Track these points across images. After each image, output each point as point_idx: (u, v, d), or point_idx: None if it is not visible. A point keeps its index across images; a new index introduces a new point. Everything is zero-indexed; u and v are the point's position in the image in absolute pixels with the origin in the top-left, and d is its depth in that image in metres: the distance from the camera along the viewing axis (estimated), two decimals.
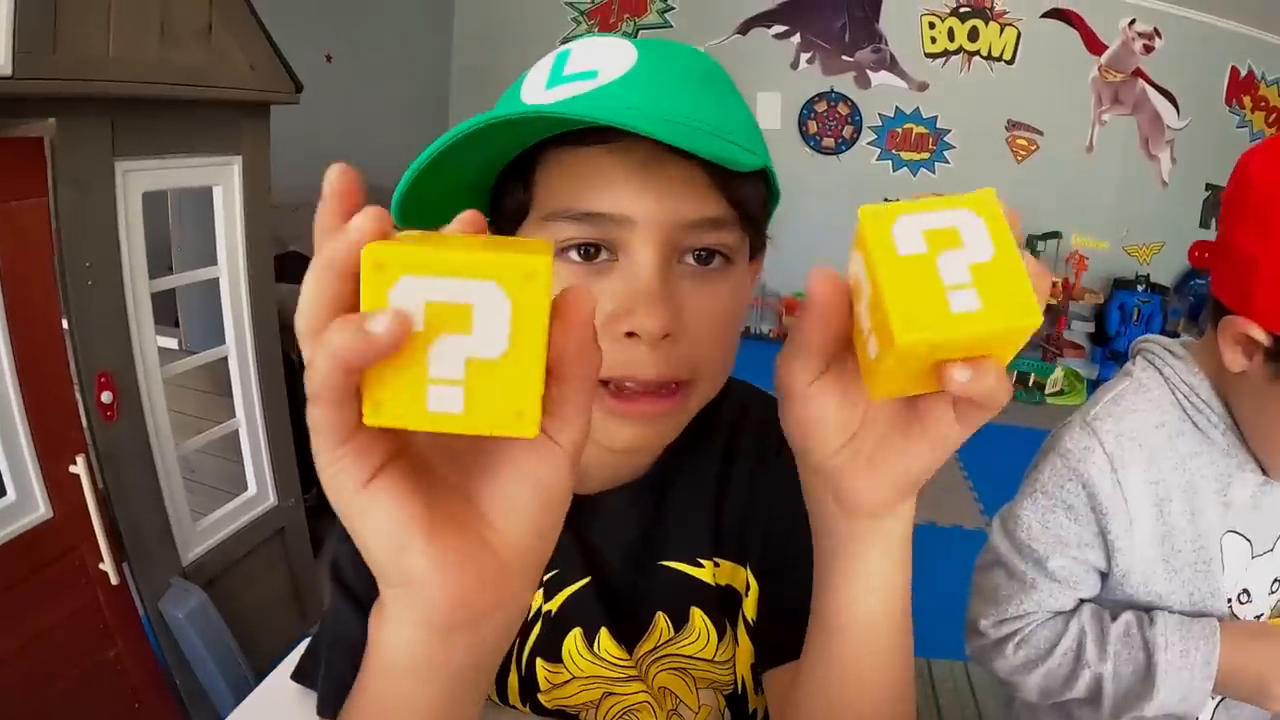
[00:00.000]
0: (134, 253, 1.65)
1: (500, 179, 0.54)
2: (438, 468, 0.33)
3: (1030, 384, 4.41)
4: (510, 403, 0.27)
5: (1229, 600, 0.86)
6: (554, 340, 0.28)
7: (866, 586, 0.42)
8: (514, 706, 0.66)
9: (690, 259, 0.52)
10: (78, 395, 1.57)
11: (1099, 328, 4.68)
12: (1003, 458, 3.53)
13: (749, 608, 0.66)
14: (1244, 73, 4.47)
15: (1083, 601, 0.93)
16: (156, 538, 1.73)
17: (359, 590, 0.61)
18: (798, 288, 4.87)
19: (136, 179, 1.64)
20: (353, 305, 0.27)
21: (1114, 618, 0.89)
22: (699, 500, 0.66)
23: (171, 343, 2.16)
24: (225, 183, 1.86)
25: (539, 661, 0.64)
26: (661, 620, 0.66)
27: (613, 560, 0.65)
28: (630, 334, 0.49)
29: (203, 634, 1.73)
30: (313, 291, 0.28)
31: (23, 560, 1.48)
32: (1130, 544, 0.85)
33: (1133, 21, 4.44)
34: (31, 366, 1.48)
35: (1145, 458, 0.85)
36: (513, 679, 0.65)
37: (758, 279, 0.63)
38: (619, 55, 0.50)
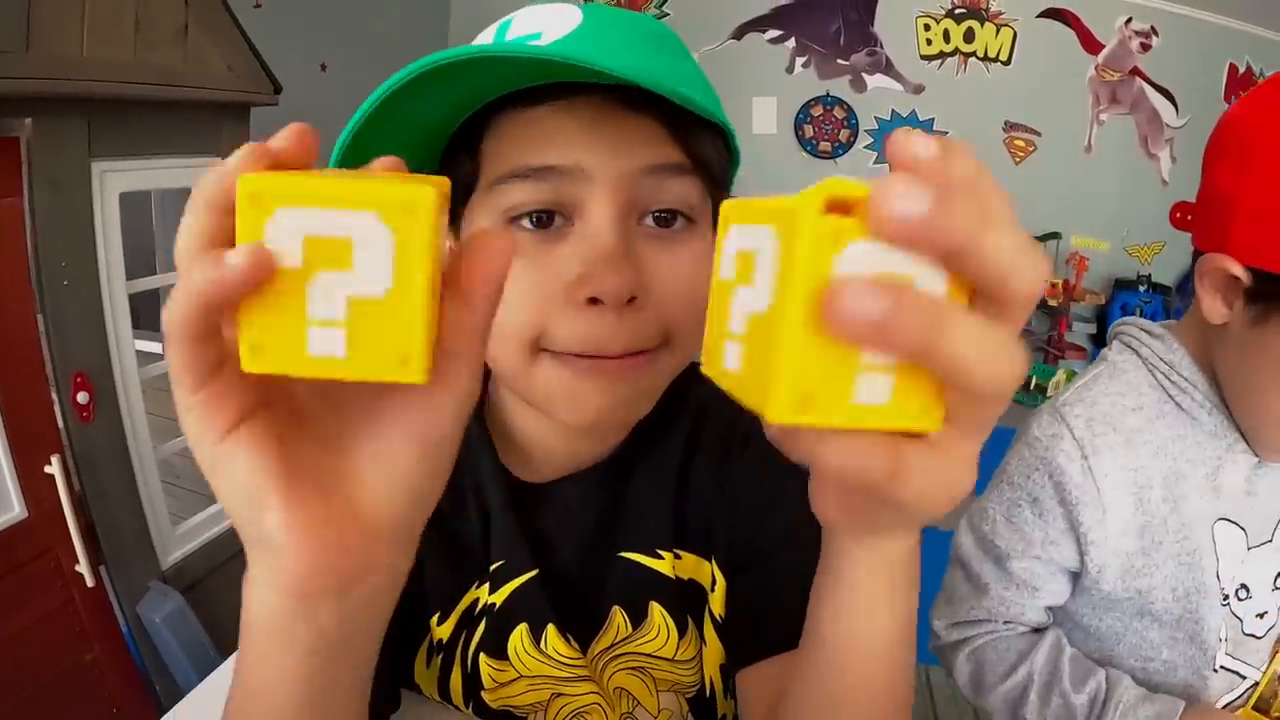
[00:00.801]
0: (111, 253, 1.65)
1: (449, 152, 0.52)
2: (316, 419, 0.31)
3: (1032, 386, 4.36)
4: (394, 346, 0.26)
5: (1225, 597, 0.79)
6: (454, 279, 0.27)
7: (859, 608, 0.38)
8: (457, 707, 0.63)
9: (650, 220, 0.50)
10: (53, 395, 1.56)
11: (1101, 329, 4.63)
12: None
13: (716, 604, 0.63)
14: (1242, 70, 4.44)
15: (1058, 611, 0.88)
16: (134, 540, 1.72)
17: None
18: None
19: (114, 179, 1.64)
20: (230, 242, 0.25)
21: (1108, 646, 0.84)
22: (660, 490, 0.63)
23: (155, 346, 2.15)
24: None
25: (483, 658, 0.61)
26: (618, 616, 0.62)
27: (565, 551, 0.62)
28: (593, 300, 0.47)
29: (181, 638, 1.71)
30: (186, 226, 0.26)
31: None
32: (1104, 536, 0.79)
33: (1129, 20, 4.41)
34: (6, 365, 1.48)
35: (1121, 443, 0.79)
36: (456, 676, 0.62)
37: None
38: (563, 17, 0.49)
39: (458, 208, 0.52)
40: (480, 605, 0.61)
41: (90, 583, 1.62)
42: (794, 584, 0.61)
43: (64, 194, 1.54)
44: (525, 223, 0.48)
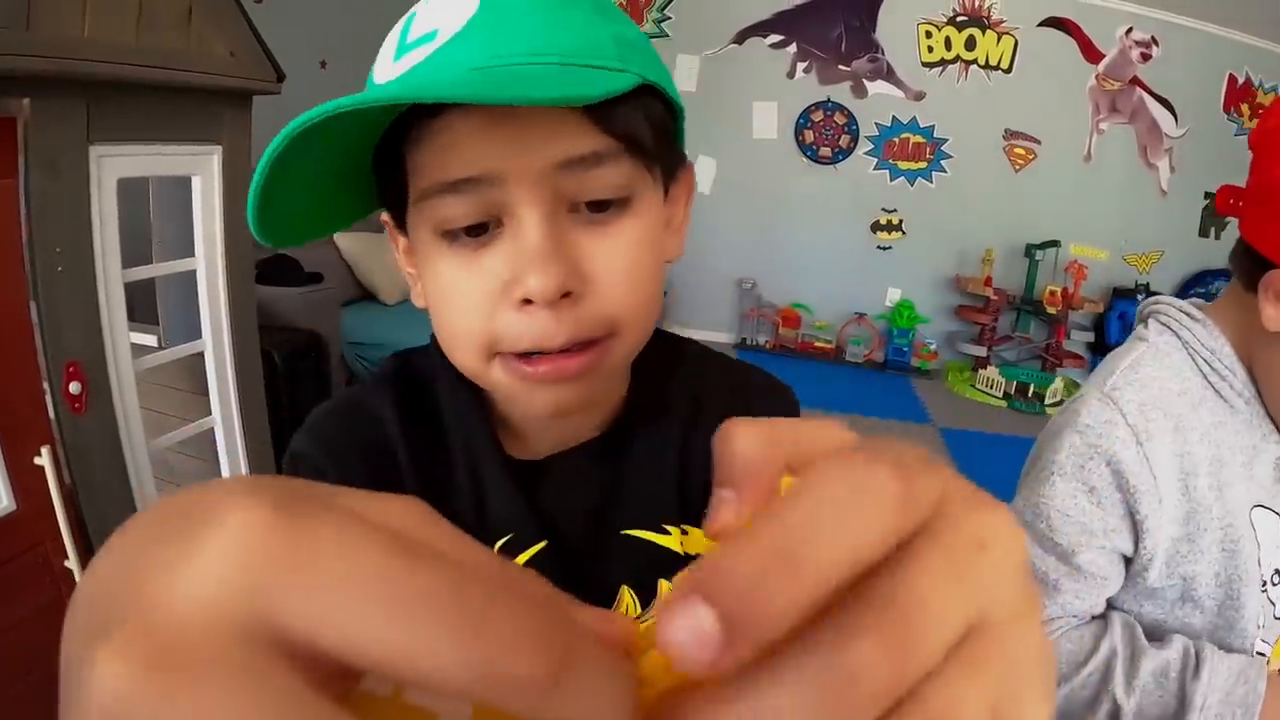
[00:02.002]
0: (107, 240, 1.60)
1: (378, 159, 0.51)
2: None
3: (1030, 394, 4.36)
4: None
5: (1263, 583, 0.78)
6: None
7: None
8: None
9: (584, 209, 0.49)
10: (45, 385, 1.51)
11: (1099, 337, 4.64)
12: (1004, 470, 3.49)
13: None
14: (1241, 80, 4.46)
15: (1111, 607, 0.86)
16: None
17: None
18: (795, 299, 4.84)
19: (112, 164, 1.60)
20: None
21: (1149, 632, 0.81)
22: (662, 467, 0.62)
23: (150, 339, 2.11)
24: (204, 172, 1.82)
25: None
26: (626, 595, 0.61)
27: (569, 525, 0.61)
28: (528, 300, 0.47)
29: None
30: None
31: None
32: (1158, 523, 0.78)
33: (1130, 30, 4.43)
34: None
35: (1171, 428, 0.78)
36: None
37: (692, 200, 0.60)
38: (460, 7, 0.47)
39: (399, 213, 0.52)
40: None
41: (80, 579, 1.58)
42: None
43: (61, 177, 1.50)
44: (461, 235, 0.48)
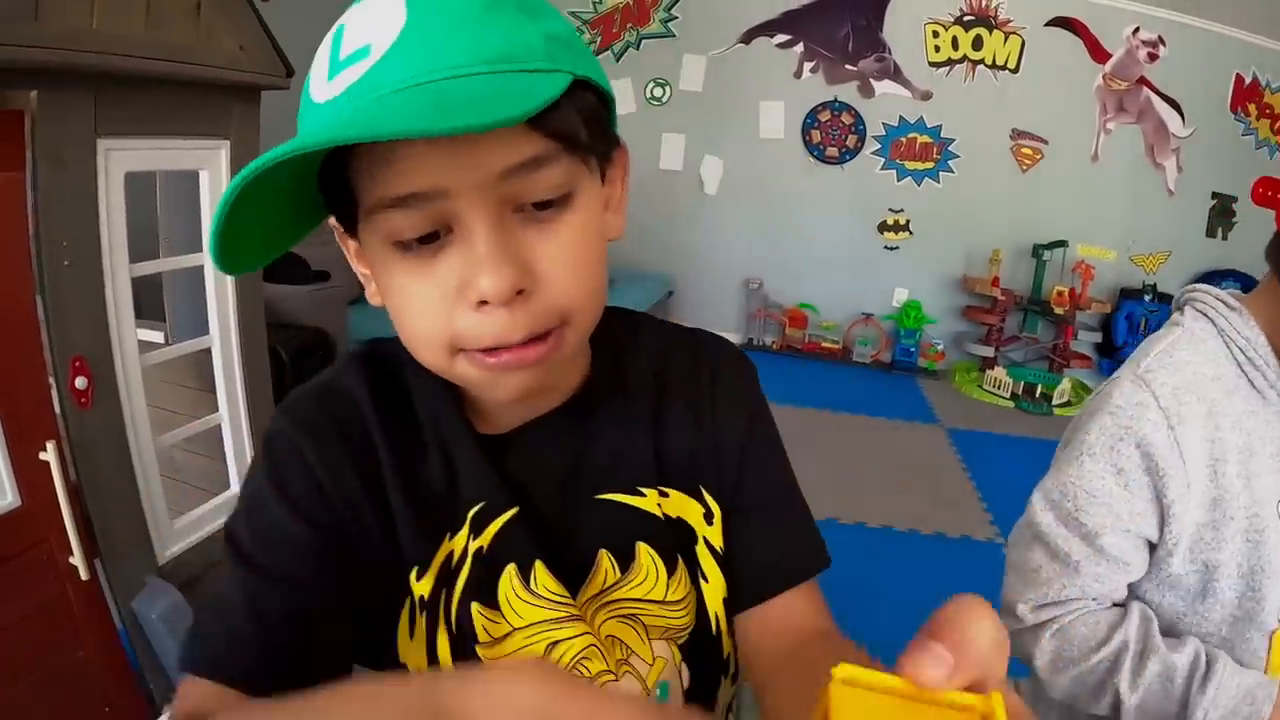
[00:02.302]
0: (114, 234, 1.59)
1: (324, 176, 0.51)
2: None
3: (1037, 395, 4.34)
4: None
5: None
6: None
7: None
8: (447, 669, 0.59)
9: (529, 207, 0.50)
10: (50, 379, 1.50)
11: (1106, 338, 4.62)
12: (1011, 469, 3.53)
13: (715, 536, 0.64)
14: (1249, 80, 4.45)
15: (1133, 595, 0.85)
16: (131, 533, 1.65)
17: (258, 556, 0.56)
18: (802, 299, 4.82)
19: (119, 158, 1.58)
20: None
21: (1166, 625, 0.81)
22: (634, 432, 0.64)
23: (157, 336, 2.10)
24: (212, 167, 1.81)
25: (476, 608, 0.59)
26: (605, 560, 0.62)
27: (540, 492, 0.62)
28: (483, 301, 0.49)
29: (178, 636, 1.65)
30: None
31: None
32: (1185, 509, 0.77)
33: (1137, 29, 4.42)
34: (2, 346, 1.42)
35: (1203, 413, 0.77)
36: (442, 637, 0.58)
37: (628, 179, 0.61)
38: (389, 20, 0.47)
39: (350, 226, 0.53)
40: (457, 556, 0.60)
41: (84, 576, 1.56)
42: (781, 524, 0.66)
43: (68, 171, 1.49)
44: (413, 245, 0.50)
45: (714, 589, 0.64)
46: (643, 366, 0.66)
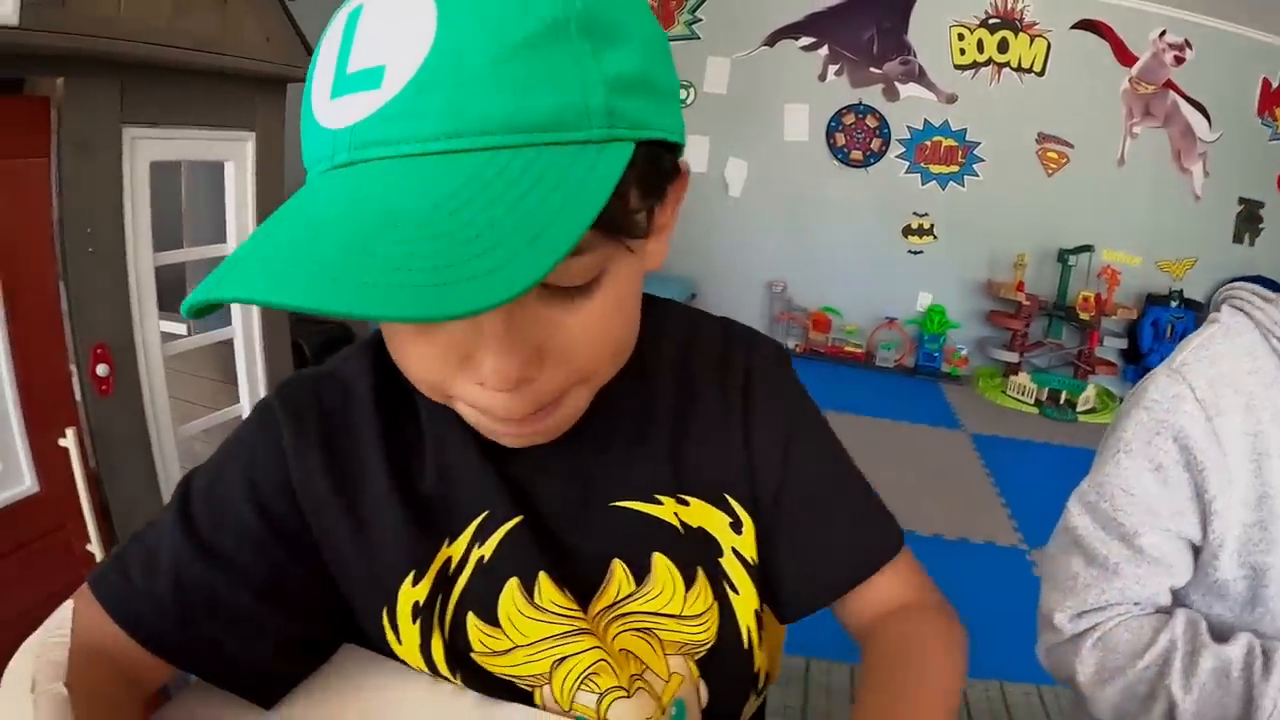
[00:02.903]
0: (139, 223, 1.59)
1: None
2: None
3: (1062, 401, 4.28)
4: None
5: None
6: None
7: None
8: (446, 678, 0.56)
9: (552, 285, 0.42)
10: (72, 366, 1.50)
11: (1131, 344, 4.55)
12: (1035, 475, 3.49)
13: (745, 547, 0.59)
14: (1275, 84, 4.38)
15: (1177, 601, 0.81)
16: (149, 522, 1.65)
17: (203, 527, 0.54)
18: (825, 302, 4.79)
19: (145, 147, 1.59)
20: None
21: (1215, 633, 0.76)
22: (652, 435, 0.59)
23: (179, 328, 2.11)
24: (238, 159, 1.82)
25: (472, 618, 0.56)
26: (619, 570, 0.57)
27: (548, 498, 0.57)
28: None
29: None
30: None
31: (4, 535, 1.40)
32: (1227, 505, 0.73)
33: (1163, 32, 4.36)
34: (24, 332, 1.41)
35: (1242, 405, 0.74)
36: (436, 643, 0.56)
37: (679, 205, 0.52)
38: (412, 32, 0.37)
39: None
40: (455, 561, 0.56)
41: None
42: (848, 509, 0.62)
43: (93, 158, 1.49)
44: None
45: (745, 601, 0.59)
46: (665, 358, 0.61)
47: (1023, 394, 4.37)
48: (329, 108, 0.39)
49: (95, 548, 1.53)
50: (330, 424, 0.57)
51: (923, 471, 3.46)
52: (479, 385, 0.44)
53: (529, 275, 0.33)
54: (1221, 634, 0.78)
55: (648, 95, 0.42)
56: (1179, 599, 0.81)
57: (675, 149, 0.47)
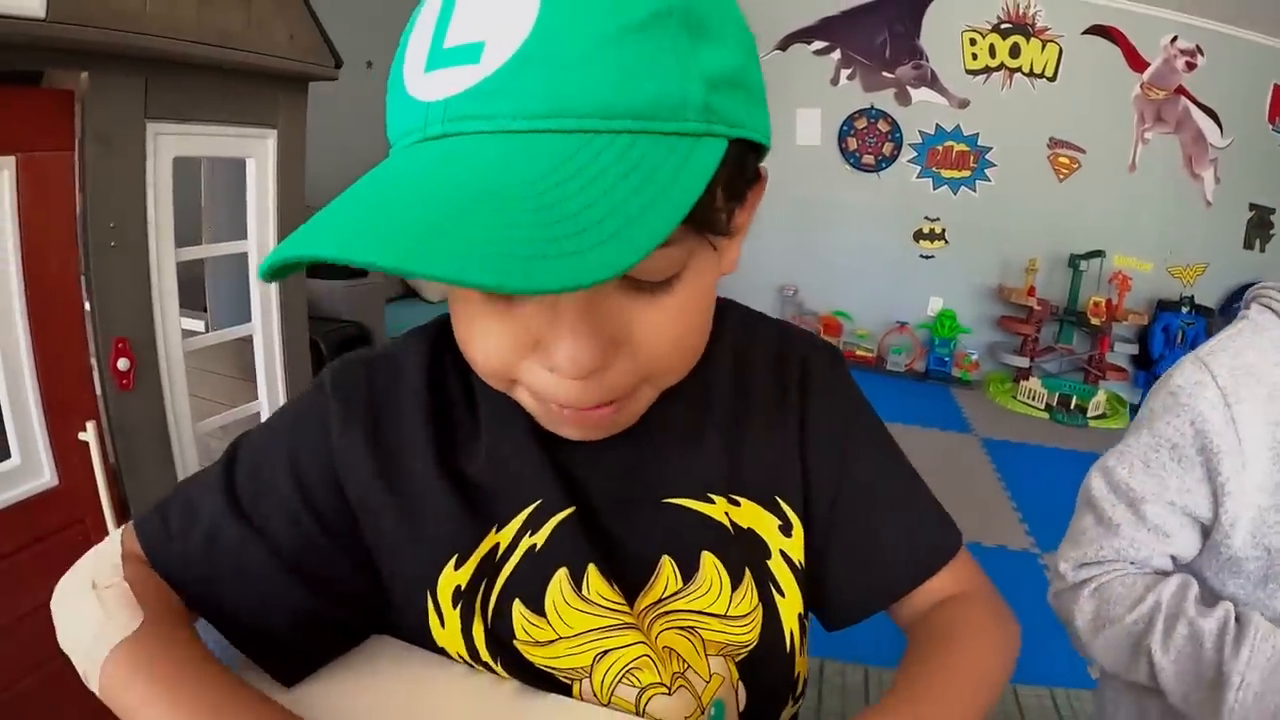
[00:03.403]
0: (161, 218, 1.60)
1: None
2: None
3: (1072, 407, 4.26)
4: None
5: None
6: None
7: None
8: (487, 665, 0.56)
9: (632, 278, 0.43)
10: (93, 360, 1.50)
11: (1142, 350, 4.54)
12: (1046, 480, 3.48)
13: (794, 550, 0.59)
14: None
15: (1184, 570, 0.85)
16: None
17: (243, 492, 0.55)
18: (836, 306, 4.79)
19: (168, 142, 1.59)
20: None
21: (1206, 599, 0.80)
22: (707, 434, 0.58)
23: (198, 325, 2.11)
24: (259, 156, 1.82)
25: (517, 605, 0.55)
26: (668, 566, 0.56)
27: (602, 492, 0.57)
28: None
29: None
30: None
31: (23, 528, 1.40)
32: (1240, 488, 0.77)
33: (1175, 38, 4.36)
34: (46, 325, 1.42)
35: (1264, 395, 0.77)
36: (478, 629, 0.55)
37: (756, 208, 0.53)
38: (514, 14, 0.37)
39: None
40: (503, 548, 0.56)
41: None
42: (904, 514, 0.62)
43: (116, 153, 1.49)
44: None
45: (790, 604, 0.59)
46: (723, 358, 0.60)
47: (1033, 399, 4.36)
48: (422, 80, 0.39)
49: None
50: (378, 406, 0.57)
51: (934, 475, 3.38)
52: (548, 371, 0.44)
53: (626, 257, 0.33)
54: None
55: (742, 94, 0.42)
56: (1195, 573, 0.85)
57: (760, 151, 0.48)
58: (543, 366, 0.44)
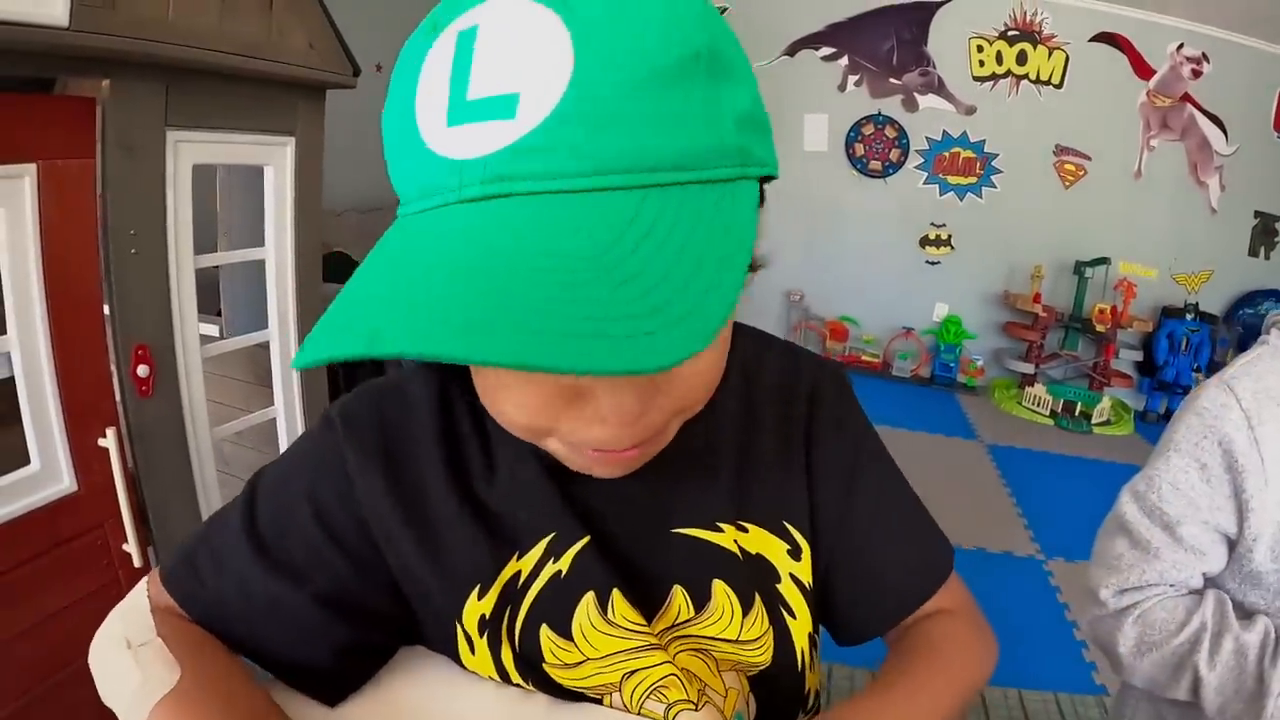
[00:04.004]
0: (180, 225, 1.60)
1: None
2: None
3: (1077, 413, 4.27)
4: None
5: None
6: None
7: None
8: (520, 685, 0.57)
9: None
10: (112, 366, 1.51)
11: (1147, 357, 4.54)
12: (1051, 486, 3.49)
13: (802, 572, 0.60)
14: None
15: (1209, 583, 0.89)
16: (186, 522, 1.65)
17: (267, 534, 0.55)
18: (842, 312, 4.79)
19: (188, 150, 1.60)
20: None
21: (1241, 612, 0.84)
22: (715, 463, 0.58)
23: (213, 330, 2.11)
24: (277, 163, 1.82)
25: (545, 631, 0.55)
26: (680, 596, 0.57)
27: (616, 522, 0.57)
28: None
29: None
30: None
31: (43, 534, 1.40)
32: (1263, 504, 0.81)
33: (1181, 46, 4.37)
34: (66, 331, 1.42)
35: None
36: (506, 654, 0.56)
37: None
38: (548, 61, 0.35)
39: None
40: (525, 575, 0.56)
41: (138, 563, 1.56)
42: (906, 539, 0.63)
43: (137, 160, 1.50)
44: None
45: (801, 625, 0.59)
46: (732, 385, 0.59)
47: (1038, 405, 4.37)
48: (445, 135, 0.36)
49: (132, 548, 1.53)
50: (392, 440, 0.56)
51: (939, 481, 3.45)
52: (591, 422, 0.43)
53: (713, 322, 0.32)
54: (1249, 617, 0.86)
55: (761, 131, 0.42)
56: (1217, 586, 0.89)
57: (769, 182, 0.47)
58: (586, 419, 0.43)
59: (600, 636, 0.54)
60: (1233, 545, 0.86)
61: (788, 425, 0.61)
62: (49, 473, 1.43)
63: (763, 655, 0.58)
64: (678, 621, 0.57)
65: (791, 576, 0.59)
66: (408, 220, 0.39)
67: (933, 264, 4.82)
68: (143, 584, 0.57)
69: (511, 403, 0.44)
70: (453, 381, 0.57)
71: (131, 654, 0.51)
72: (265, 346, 1.88)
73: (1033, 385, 4.46)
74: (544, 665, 0.55)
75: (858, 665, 2.12)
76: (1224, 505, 0.84)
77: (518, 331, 0.30)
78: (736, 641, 0.57)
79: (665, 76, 0.36)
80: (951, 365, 4.67)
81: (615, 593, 0.54)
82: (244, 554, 0.55)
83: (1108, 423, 4.28)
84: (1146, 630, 0.86)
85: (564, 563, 0.55)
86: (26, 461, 1.40)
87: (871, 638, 0.64)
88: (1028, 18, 4.45)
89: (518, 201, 0.35)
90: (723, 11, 3.93)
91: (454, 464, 0.56)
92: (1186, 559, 0.86)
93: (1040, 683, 2.17)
